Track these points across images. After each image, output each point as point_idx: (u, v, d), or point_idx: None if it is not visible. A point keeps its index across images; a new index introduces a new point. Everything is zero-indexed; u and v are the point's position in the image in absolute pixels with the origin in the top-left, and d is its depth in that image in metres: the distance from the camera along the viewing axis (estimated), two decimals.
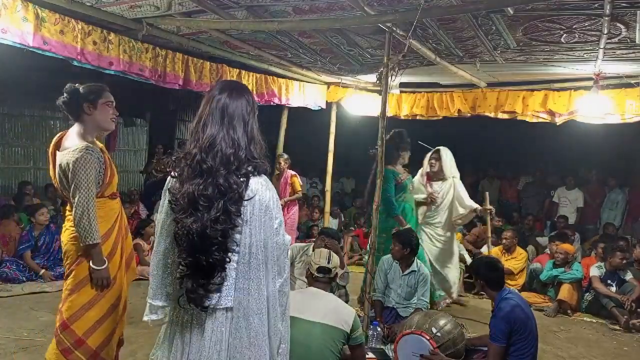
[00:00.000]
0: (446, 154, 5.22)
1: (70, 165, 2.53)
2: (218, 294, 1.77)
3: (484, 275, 3.32)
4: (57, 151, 2.66)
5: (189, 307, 1.78)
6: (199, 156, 1.74)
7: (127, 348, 3.75)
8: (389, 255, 4.65)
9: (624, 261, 5.62)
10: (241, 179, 1.76)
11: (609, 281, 5.60)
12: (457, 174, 5.28)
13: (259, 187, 1.80)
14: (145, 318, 1.90)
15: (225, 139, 1.77)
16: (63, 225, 2.79)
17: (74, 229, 2.64)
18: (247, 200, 1.76)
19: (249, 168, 1.79)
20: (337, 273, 3.19)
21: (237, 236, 1.77)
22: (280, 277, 1.86)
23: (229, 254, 1.76)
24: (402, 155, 4.97)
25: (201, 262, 1.72)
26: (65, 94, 2.70)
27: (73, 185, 2.54)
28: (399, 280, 4.48)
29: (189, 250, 1.74)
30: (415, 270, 4.45)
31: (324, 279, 3.07)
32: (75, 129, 2.69)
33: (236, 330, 1.78)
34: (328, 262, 3.07)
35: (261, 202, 1.79)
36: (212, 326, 1.78)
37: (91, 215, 2.55)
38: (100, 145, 2.78)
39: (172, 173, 1.81)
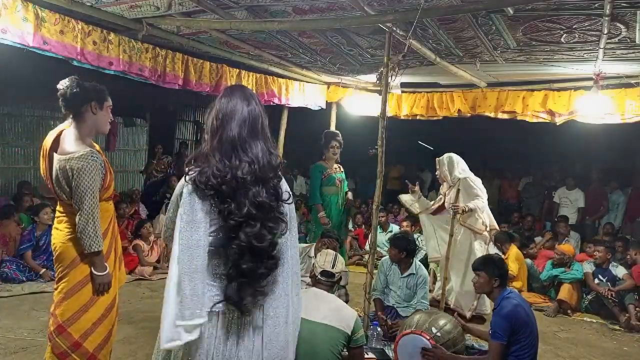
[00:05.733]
0: (443, 162, 5.17)
1: (75, 173, 2.49)
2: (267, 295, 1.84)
3: (493, 272, 3.30)
4: (53, 152, 2.60)
5: (231, 317, 1.80)
6: (248, 167, 1.77)
7: (127, 348, 3.76)
8: (388, 257, 4.66)
9: (604, 255, 5.68)
10: (279, 181, 1.86)
11: (599, 276, 5.66)
12: (465, 175, 5.06)
13: (285, 184, 1.90)
14: (173, 344, 1.72)
15: (264, 149, 1.84)
16: (54, 226, 2.74)
17: (69, 230, 2.62)
18: (288, 202, 1.87)
19: (280, 170, 1.88)
20: (340, 277, 3.19)
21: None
22: (297, 262, 1.99)
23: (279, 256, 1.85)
24: (328, 151, 5.39)
25: (260, 269, 1.77)
26: (75, 86, 2.58)
27: (78, 194, 2.50)
28: (398, 282, 4.49)
29: (248, 259, 1.75)
30: (414, 273, 4.46)
31: (327, 282, 3.07)
32: (72, 131, 2.62)
33: (265, 329, 1.86)
34: (332, 267, 3.07)
35: (291, 197, 1.91)
36: (261, 321, 1.84)
37: (96, 222, 2.54)
38: (97, 147, 2.73)
39: (208, 190, 1.74)
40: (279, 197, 1.83)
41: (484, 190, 5.08)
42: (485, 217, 5.03)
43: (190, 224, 1.73)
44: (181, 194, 1.79)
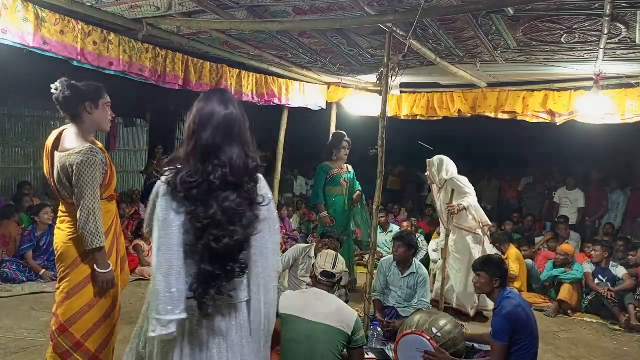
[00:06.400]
0: (433, 163, 5.20)
1: (75, 168, 2.49)
2: (238, 290, 1.89)
3: (494, 272, 3.30)
4: (55, 151, 2.62)
5: (198, 315, 1.85)
6: (220, 171, 1.81)
7: (127, 347, 3.76)
8: (388, 257, 4.66)
9: (601, 254, 5.69)
10: (254, 185, 1.88)
11: (599, 276, 5.67)
12: (451, 175, 5.09)
13: (265, 186, 1.93)
14: (151, 334, 1.81)
15: (239, 152, 1.87)
16: (56, 226, 2.75)
17: (70, 230, 2.62)
18: (264, 204, 1.89)
19: (257, 173, 1.91)
20: (341, 277, 3.19)
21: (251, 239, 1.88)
22: (275, 256, 2.00)
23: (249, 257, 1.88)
24: (334, 152, 5.47)
25: (227, 269, 1.82)
26: (66, 89, 2.58)
27: (78, 188, 2.50)
28: (398, 282, 4.49)
29: (216, 260, 1.81)
30: (414, 272, 4.46)
31: (327, 282, 3.07)
32: (73, 130, 2.63)
33: (251, 323, 1.92)
34: (332, 267, 3.07)
35: (265, 199, 1.91)
36: (234, 319, 1.89)
37: (97, 218, 2.53)
38: (100, 145, 2.73)
39: (179, 192, 1.80)
40: (253, 201, 1.86)
41: (472, 187, 5.13)
42: (477, 214, 5.07)
43: (164, 223, 1.80)
44: (157, 193, 1.86)
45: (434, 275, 5.44)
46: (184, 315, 1.80)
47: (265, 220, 1.90)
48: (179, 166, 1.85)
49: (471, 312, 4.96)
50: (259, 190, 1.90)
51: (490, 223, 5.28)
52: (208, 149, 1.84)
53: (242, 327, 1.91)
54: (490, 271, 3.31)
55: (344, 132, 5.69)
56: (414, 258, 4.53)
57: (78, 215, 2.53)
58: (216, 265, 1.80)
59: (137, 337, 2.08)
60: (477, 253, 4.93)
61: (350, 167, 5.56)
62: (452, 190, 4.89)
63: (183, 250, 1.81)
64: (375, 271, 4.42)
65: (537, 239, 7.35)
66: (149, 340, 1.94)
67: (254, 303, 1.91)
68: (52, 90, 2.61)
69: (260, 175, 1.93)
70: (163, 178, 1.84)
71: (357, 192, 5.48)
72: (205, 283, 1.81)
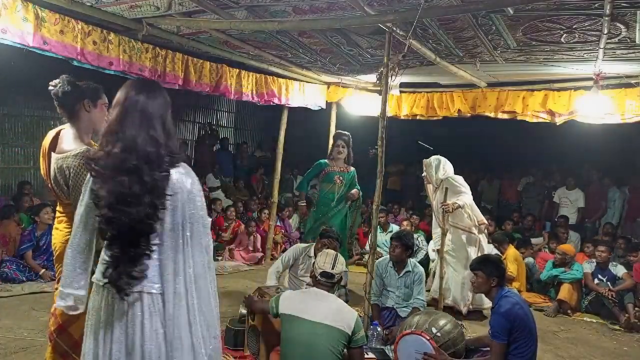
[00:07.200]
0: (430, 163, 5.24)
1: (72, 171, 2.48)
2: (143, 280, 1.84)
3: (491, 272, 3.30)
4: (52, 152, 2.61)
5: (112, 295, 1.85)
6: (122, 155, 1.83)
7: None
8: (383, 259, 4.67)
9: (607, 254, 5.68)
10: (163, 174, 1.86)
11: (599, 276, 5.66)
12: (447, 175, 5.14)
13: (181, 177, 1.90)
14: (57, 304, 1.95)
15: (147, 139, 1.86)
16: (54, 226, 2.74)
17: (68, 230, 2.59)
18: (171, 194, 1.86)
19: (169, 162, 1.89)
20: (341, 277, 3.19)
21: (159, 226, 1.85)
22: (207, 255, 1.94)
23: (154, 244, 1.85)
24: (333, 151, 5.56)
25: (129, 253, 1.81)
26: (66, 84, 2.57)
27: (75, 192, 2.49)
28: (395, 282, 4.49)
29: (115, 243, 1.83)
30: (410, 270, 4.47)
31: (327, 283, 3.07)
32: (70, 131, 2.61)
33: (166, 314, 1.85)
34: (332, 268, 3.07)
35: (183, 190, 1.88)
36: (136, 311, 1.84)
37: None
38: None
39: (91, 172, 1.88)
40: (156, 189, 1.82)
41: (467, 186, 5.17)
42: (472, 212, 5.10)
43: (81, 199, 1.95)
44: None
45: (434, 274, 5.45)
46: (82, 292, 1.91)
47: (181, 212, 1.86)
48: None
49: (464, 310, 5.03)
50: (176, 181, 1.86)
51: (486, 222, 5.30)
52: (112, 132, 1.87)
53: (152, 316, 1.85)
54: (488, 271, 3.31)
55: (344, 132, 5.65)
56: (409, 258, 4.54)
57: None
58: (115, 248, 1.82)
59: None
60: (472, 252, 4.98)
61: (351, 168, 5.54)
62: (446, 189, 4.92)
63: (95, 228, 1.91)
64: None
65: (534, 240, 7.35)
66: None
67: (167, 296, 1.85)
68: (51, 87, 2.60)
69: (181, 168, 1.91)
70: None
71: (355, 190, 5.48)
72: (107, 264, 1.84)
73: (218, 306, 1.96)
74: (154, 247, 1.84)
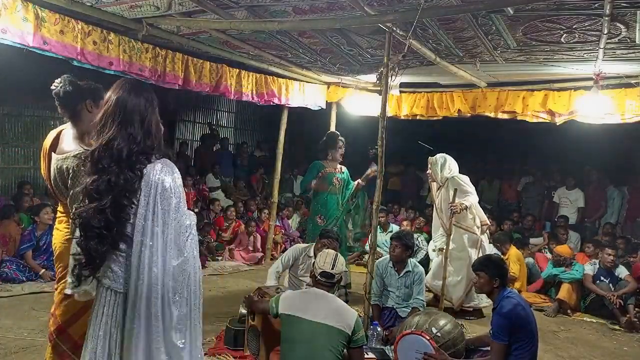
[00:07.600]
0: (436, 161, 5.24)
1: (71, 172, 2.47)
2: (108, 280, 1.91)
3: (494, 272, 3.30)
4: (52, 152, 2.60)
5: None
6: (96, 154, 1.91)
7: None
8: (383, 259, 4.67)
9: (613, 257, 5.66)
10: (135, 173, 1.89)
11: (602, 278, 5.63)
12: (453, 174, 5.16)
13: (156, 174, 1.92)
14: (67, 292, 2.08)
15: (123, 136, 1.91)
16: (55, 226, 2.75)
17: (68, 230, 2.59)
18: (141, 191, 1.89)
19: (144, 160, 1.92)
20: (341, 278, 3.19)
21: (129, 226, 1.89)
22: (181, 256, 1.95)
23: (119, 243, 1.89)
24: (330, 153, 5.46)
25: (91, 250, 1.86)
26: (67, 84, 2.55)
27: (75, 193, 2.46)
28: (396, 282, 4.50)
29: (85, 238, 1.89)
30: (410, 270, 4.47)
31: (327, 283, 3.07)
32: (71, 131, 2.60)
33: (129, 312, 1.89)
34: (332, 268, 3.07)
35: (157, 188, 1.91)
36: (102, 308, 1.94)
37: None
38: None
39: (82, 168, 2.01)
40: (124, 189, 1.86)
41: (473, 186, 5.18)
42: (477, 213, 5.11)
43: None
44: None
45: (433, 274, 5.45)
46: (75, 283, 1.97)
47: (152, 209, 1.89)
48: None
49: (455, 306, 5.08)
50: (146, 175, 1.90)
51: (489, 223, 5.30)
52: (96, 131, 1.96)
53: (116, 313, 1.93)
54: (490, 271, 3.31)
55: (338, 132, 5.69)
56: (409, 258, 4.54)
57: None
58: (82, 240, 1.89)
59: None
60: (473, 252, 4.98)
61: (344, 168, 5.55)
62: (455, 190, 4.91)
63: None
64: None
65: (534, 240, 7.35)
66: None
67: (131, 293, 1.88)
68: (53, 86, 2.58)
69: (158, 164, 1.95)
70: None
71: (358, 181, 5.44)
72: (82, 257, 1.90)
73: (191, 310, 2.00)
74: (122, 245, 1.90)
